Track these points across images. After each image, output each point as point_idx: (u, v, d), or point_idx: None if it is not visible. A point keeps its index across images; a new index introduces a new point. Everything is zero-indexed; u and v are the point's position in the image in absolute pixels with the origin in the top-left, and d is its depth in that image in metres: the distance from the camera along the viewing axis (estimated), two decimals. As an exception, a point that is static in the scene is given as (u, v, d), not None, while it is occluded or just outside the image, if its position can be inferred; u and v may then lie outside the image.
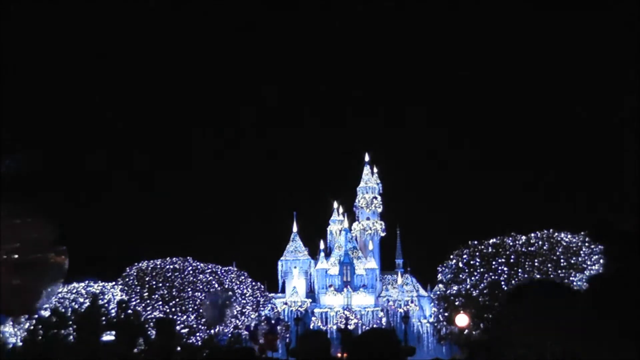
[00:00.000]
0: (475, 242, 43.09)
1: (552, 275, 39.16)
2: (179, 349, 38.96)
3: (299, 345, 5.61)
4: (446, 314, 41.62)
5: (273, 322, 43.34)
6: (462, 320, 32.99)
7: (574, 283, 37.30)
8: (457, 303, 40.53)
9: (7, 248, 8.56)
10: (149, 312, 46.38)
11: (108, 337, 38.97)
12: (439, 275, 44.68)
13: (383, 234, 72.52)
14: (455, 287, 41.79)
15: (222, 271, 51.53)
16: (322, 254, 69.94)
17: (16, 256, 8.68)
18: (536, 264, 39.89)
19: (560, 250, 40.39)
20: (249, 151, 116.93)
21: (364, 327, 60.59)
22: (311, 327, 62.66)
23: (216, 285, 49.57)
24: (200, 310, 43.68)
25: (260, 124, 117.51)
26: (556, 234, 41.90)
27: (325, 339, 5.62)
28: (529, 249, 40.98)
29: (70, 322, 39.78)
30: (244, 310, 49.70)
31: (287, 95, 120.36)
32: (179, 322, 45.47)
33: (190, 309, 47.65)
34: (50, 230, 9.00)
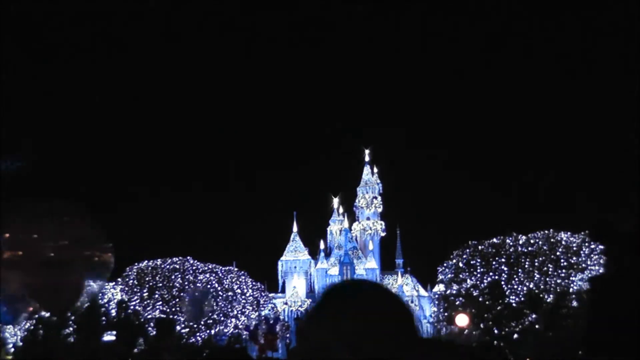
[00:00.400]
0: (476, 242, 43.07)
1: (552, 275, 39.15)
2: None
3: (299, 345, 5.55)
4: (446, 314, 41.58)
5: (272, 322, 43.29)
6: (462, 320, 32.99)
7: (574, 283, 37.30)
8: (457, 303, 40.50)
9: (56, 246, 8.62)
10: (149, 312, 46.32)
11: (108, 337, 38.96)
12: (439, 275, 44.65)
13: (383, 234, 72.51)
14: (456, 287, 41.76)
15: (222, 271, 51.48)
16: (322, 254, 69.95)
17: (64, 254, 8.74)
18: (536, 263, 39.87)
19: (560, 250, 40.36)
20: (249, 151, 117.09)
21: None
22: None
23: (216, 285, 49.50)
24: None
25: (260, 123, 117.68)
26: (556, 234, 41.87)
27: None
28: (529, 249, 40.95)
29: (71, 322, 39.75)
30: (244, 310, 49.64)
31: (287, 95, 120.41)
32: (179, 322, 45.42)
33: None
34: (97, 229, 9.08)
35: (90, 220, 9.19)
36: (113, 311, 43.95)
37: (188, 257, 51.11)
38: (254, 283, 52.91)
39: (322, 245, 70.48)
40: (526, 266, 39.93)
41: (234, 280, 51.13)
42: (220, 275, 50.69)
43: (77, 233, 9.18)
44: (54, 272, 8.71)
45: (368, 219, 72.11)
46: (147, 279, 48.75)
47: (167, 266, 49.96)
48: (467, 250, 42.74)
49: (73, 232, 9.15)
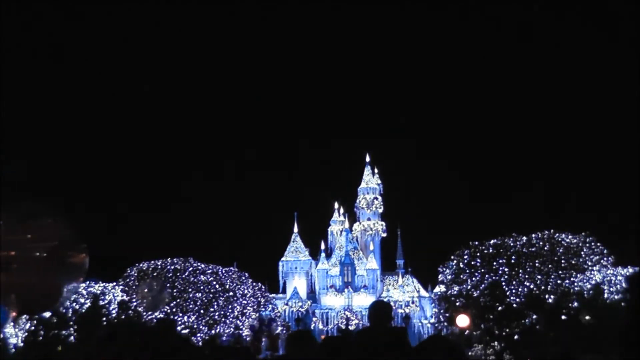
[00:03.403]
0: (476, 243, 43.06)
1: (552, 276, 39.14)
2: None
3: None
4: (447, 315, 41.57)
5: (266, 322, 43.25)
6: (463, 320, 32.97)
7: (575, 283, 37.28)
8: (458, 304, 40.48)
9: (29, 247, 8.67)
10: (150, 313, 46.31)
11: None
12: (440, 275, 44.63)
13: (384, 235, 72.47)
14: (456, 288, 41.74)
15: (223, 271, 51.47)
16: (323, 254, 69.91)
17: (37, 255, 8.78)
18: (537, 264, 39.86)
19: (561, 250, 40.36)
20: (250, 151, 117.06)
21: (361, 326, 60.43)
22: (312, 327, 62.65)
23: (217, 287, 49.47)
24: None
25: (261, 124, 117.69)
26: (557, 234, 41.85)
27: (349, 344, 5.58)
28: (530, 249, 40.94)
29: (71, 323, 39.75)
30: (244, 311, 49.62)
31: (288, 95, 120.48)
32: (179, 322, 45.42)
33: (191, 310, 47.61)
34: (70, 229, 9.14)
35: (66, 221, 9.23)
36: (114, 312, 43.94)
37: (189, 258, 51.11)
38: (254, 284, 52.89)
39: (322, 246, 70.48)
40: (527, 267, 39.91)
41: (234, 280, 51.11)
42: (220, 275, 50.68)
43: (53, 234, 9.23)
44: (33, 273, 8.75)
45: (369, 219, 72.08)
46: (147, 279, 48.74)
47: (168, 267, 49.95)
48: (468, 251, 42.71)
49: (50, 233, 9.20)
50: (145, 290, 38.60)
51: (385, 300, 65.63)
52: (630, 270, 34.67)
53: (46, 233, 8.47)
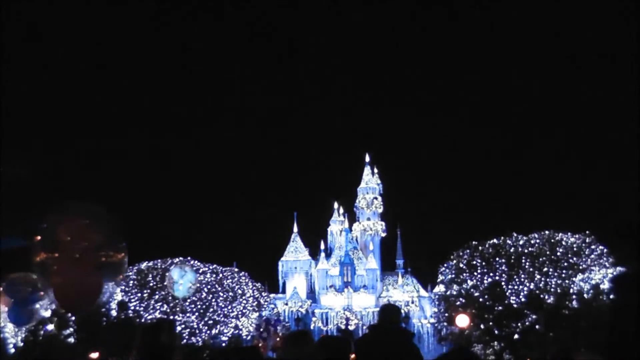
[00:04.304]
0: (476, 243, 43.05)
1: (552, 276, 39.13)
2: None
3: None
4: (447, 315, 41.56)
5: (272, 322, 43.17)
6: (462, 320, 32.97)
7: (575, 284, 37.29)
8: (457, 303, 40.47)
9: (71, 247, 8.66)
10: (149, 313, 46.30)
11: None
12: (440, 275, 44.63)
13: (383, 235, 72.45)
14: (456, 288, 41.73)
15: (223, 271, 51.45)
16: (323, 254, 69.90)
17: (79, 255, 8.78)
18: (537, 264, 39.85)
19: (561, 250, 40.34)
20: (250, 151, 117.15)
21: (364, 327, 60.52)
22: (312, 327, 62.65)
23: (217, 287, 49.42)
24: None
25: (262, 124, 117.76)
26: (557, 234, 41.84)
27: (346, 345, 5.61)
28: (530, 249, 40.93)
29: (71, 323, 39.71)
30: (244, 311, 49.60)
31: (288, 94, 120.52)
32: (179, 322, 45.38)
33: (191, 310, 47.58)
34: (111, 228, 9.18)
35: (108, 220, 9.30)
36: (113, 312, 43.91)
37: (188, 258, 51.05)
38: (254, 283, 52.86)
39: (322, 246, 70.48)
40: (526, 267, 39.89)
41: (234, 280, 51.08)
42: (220, 275, 50.66)
43: (89, 234, 9.27)
44: (79, 274, 8.77)
45: (368, 219, 72.06)
46: (147, 279, 48.69)
47: (168, 266, 49.84)
48: (468, 251, 42.71)
49: (86, 233, 9.23)
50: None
51: (385, 300, 65.72)
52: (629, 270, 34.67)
53: (86, 233, 8.53)
